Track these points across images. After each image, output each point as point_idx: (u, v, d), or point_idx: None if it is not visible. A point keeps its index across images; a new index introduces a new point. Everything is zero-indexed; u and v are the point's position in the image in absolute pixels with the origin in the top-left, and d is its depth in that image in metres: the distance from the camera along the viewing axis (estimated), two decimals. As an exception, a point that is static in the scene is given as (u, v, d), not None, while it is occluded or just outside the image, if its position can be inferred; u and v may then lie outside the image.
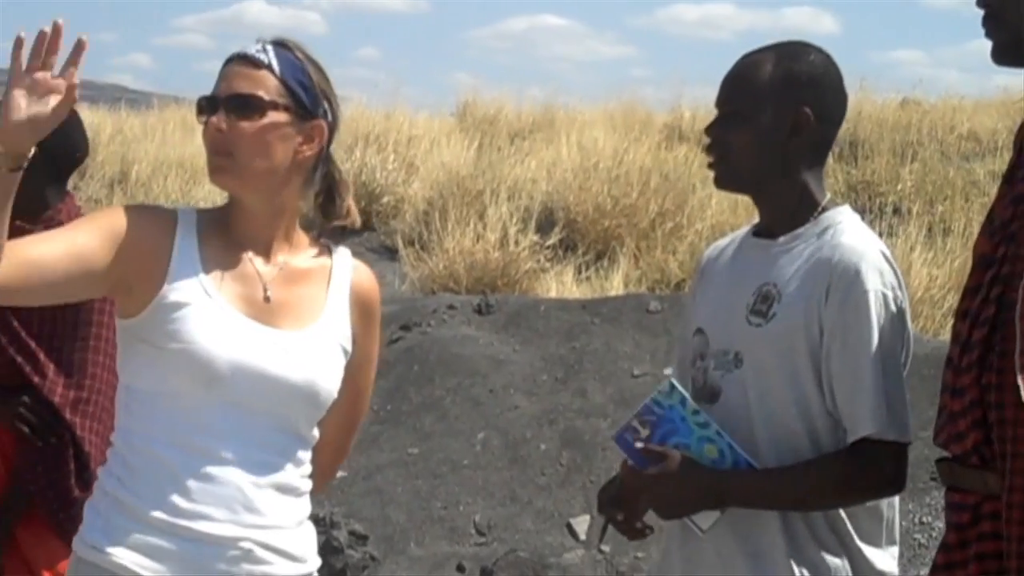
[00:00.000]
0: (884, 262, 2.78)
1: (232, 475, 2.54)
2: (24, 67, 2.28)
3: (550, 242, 11.68)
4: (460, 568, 6.59)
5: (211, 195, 14.32)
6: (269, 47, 2.61)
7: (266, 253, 2.65)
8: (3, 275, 2.38)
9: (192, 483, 2.53)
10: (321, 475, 2.81)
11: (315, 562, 2.73)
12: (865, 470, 2.74)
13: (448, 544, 6.74)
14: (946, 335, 5.72)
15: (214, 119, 2.56)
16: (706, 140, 2.91)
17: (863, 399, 2.71)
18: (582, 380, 7.70)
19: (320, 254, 2.73)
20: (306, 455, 2.68)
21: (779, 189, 2.87)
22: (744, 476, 2.78)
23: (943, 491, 2.65)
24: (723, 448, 2.79)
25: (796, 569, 2.77)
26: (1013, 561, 2.29)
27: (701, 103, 18.14)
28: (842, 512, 2.79)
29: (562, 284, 10.94)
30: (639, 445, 2.82)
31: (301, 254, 2.70)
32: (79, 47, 2.30)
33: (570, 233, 12.27)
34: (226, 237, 2.63)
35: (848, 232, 2.81)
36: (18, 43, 2.28)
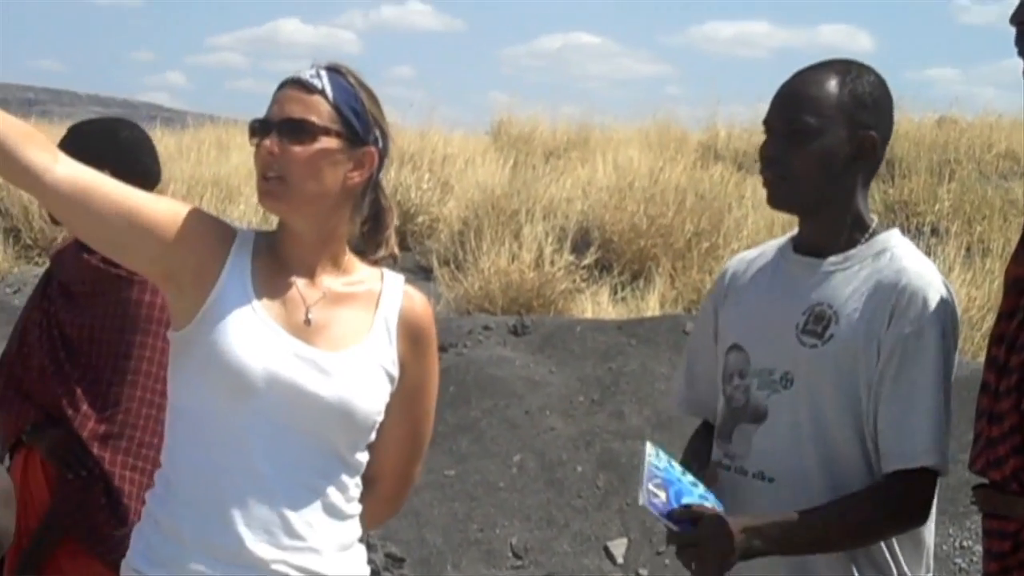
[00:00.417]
0: (946, 290, 2.75)
1: (270, 496, 2.53)
2: None
3: (586, 262, 11.64)
4: (496, 591, 6.56)
5: (246, 215, 14.35)
6: (323, 72, 2.61)
7: (312, 276, 2.65)
8: (64, 184, 2.45)
9: (230, 503, 2.52)
10: (385, 503, 2.82)
11: None
12: (908, 500, 2.71)
13: (485, 567, 6.71)
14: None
15: (267, 142, 2.55)
16: (761, 158, 2.85)
17: (917, 429, 2.67)
18: (619, 402, 7.67)
19: (370, 279, 2.72)
20: (352, 480, 2.66)
21: (835, 211, 2.83)
22: (783, 525, 2.71)
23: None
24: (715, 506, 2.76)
25: None
26: None
27: (736, 121, 18.13)
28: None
29: (598, 305, 10.89)
30: (666, 510, 2.74)
31: (349, 278, 2.70)
32: None
33: (606, 253, 12.23)
34: (275, 259, 2.64)
35: (909, 256, 2.79)
36: None
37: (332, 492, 2.61)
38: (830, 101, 2.78)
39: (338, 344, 2.62)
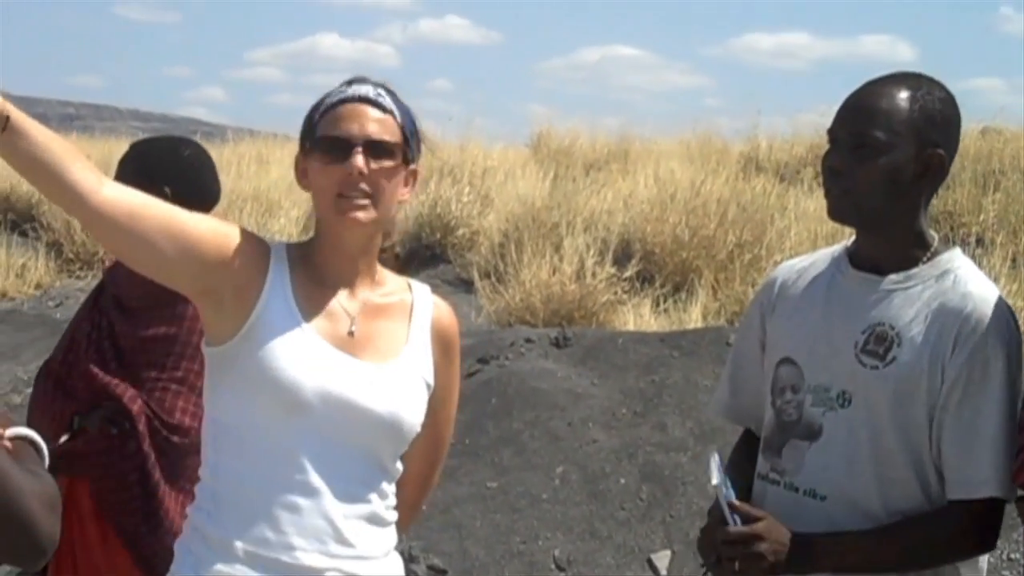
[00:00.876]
0: (1010, 315, 2.70)
1: (320, 506, 2.57)
2: None
3: (627, 274, 11.60)
4: (539, 604, 6.53)
5: (286, 228, 14.40)
6: (384, 92, 2.67)
7: (351, 289, 2.69)
8: (111, 206, 2.43)
9: (281, 515, 2.56)
10: (408, 508, 2.85)
11: None
12: (970, 529, 2.67)
13: (527, 580, 6.67)
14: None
15: (357, 161, 2.58)
16: (825, 167, 2.78)
17: (982, 457, 2.62)
18: (661, 414, 7.63)
19: (400, 290, 2.78)
20: (390, 488, 2.71)
21: (896, 228, 2.77)
22: (838, 540, 2.69)
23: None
24: None
25: None
26: None
27: (777, 133, 18.06)
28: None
29: (640, 317, 10.85)
30: (731, 501, 2.75)
31: (383, 289, 2.75)
32: None
33: (647, 265, 12.18)
34: (313, 272, 2.67)
35: (974, 281, 2.74)
36: None
37: (375, 500, 2.66)
38: (900, 116, 2.71)
39: (382, 356, 2.67)
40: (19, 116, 2.32)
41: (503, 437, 7.63)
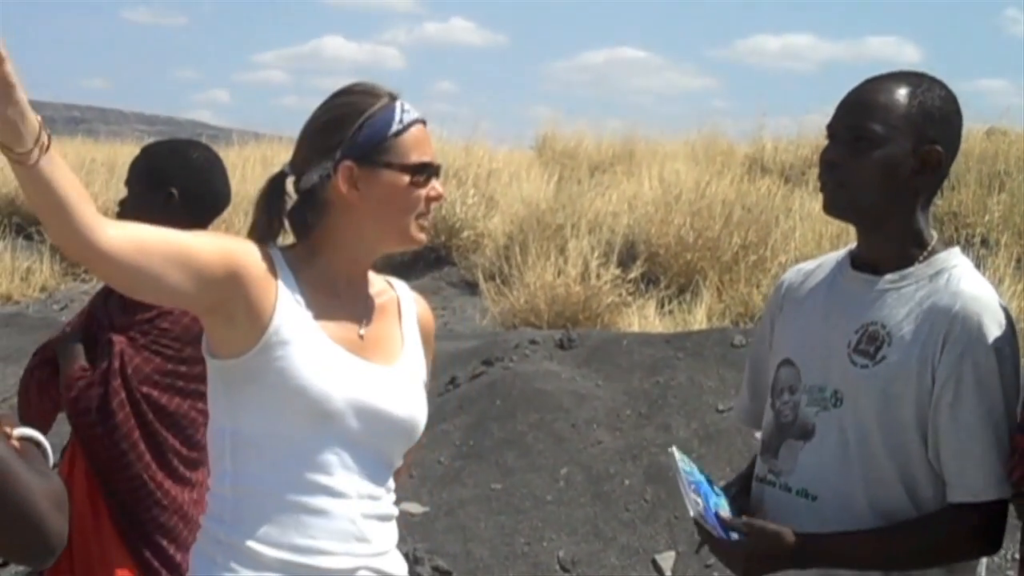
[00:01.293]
0: (1003, 314, 2.68)
1: (345, 508, 2.61)
2: None
3: (632, 276, 11.60)
4: (544, 605, 6.53)
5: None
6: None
7: (355, 292, 2.73)
8: (119, 246, 2.39)
9: (309, 520, 2.59)
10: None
11: None
12: (972, 532, 2.65)
13: (532, 581, 6.67)
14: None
15: (440, 187, 2.72)
16: (822, 161, 2.78)
17: (978, 460, 2.61)
18: (666, 415, 7.62)
19: (387, 289, 2.83)
20: (393, 483, 2.76)
21: (892, 225, 2.76)
22: (838, 539, 2.69)
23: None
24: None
25: None
26: None
27: (783, 134, 18.07)
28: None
29: (644, 318, 10.86)
30: (711, 515, 2.76)
31: (375, 289, 2.79)
32: None
33: (652, 267, 12.19)
34: (318, 277, 2.68)
35: (967, 279, 2.71)
36: None
37: (385, 497, 2.71)
38: (898, 111, 2.70)
39: (388, 357, 2.72)
40: (55, 148, 2.31)
41: (507, 439, 7.63)
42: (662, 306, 11.32)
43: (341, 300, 2.68)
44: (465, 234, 14.11)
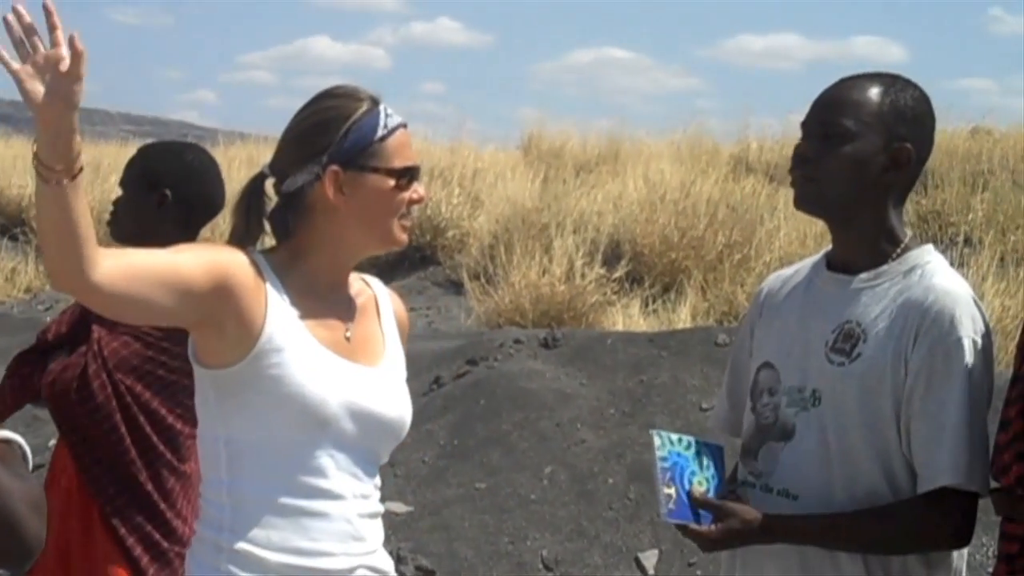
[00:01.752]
0: (975, 308, 2.70)
1: (342, 510, 2.65)
2: (16, 62, 2.25)
3: (616, 275, 11.62)
4: (528, 604, 6.54)
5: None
6: None
7: (338, 293, 2.75)
8: (110, 278, 2.37)
9: (309, 523, 2.62)
10: None
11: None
12: (935, 521, 2.66)
13: (516, 580, 6.69)
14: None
15: (423, 189, 2.74)
16: (795, 156, 2.81)
17: (944, 448, 2.62)
18: (650, 414, 7.64)
19: (364, 287, 2.85)
20: (379, 480, 2.78)
21: (863, 222, 2.78)
22: (809, 520, 2.71)
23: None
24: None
25: None
26: None
27: (768, 134, 18.08)
28: (912, 559, 2.72)
29: (629, 317, 10.87)
30: (683, 504, 2.79)
31: (355, 289, 2.81)
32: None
33: (637, 266, 12.21)
34: (303, 280, 2.68)
35: (939, 274, 2.74)
36: None
37: (373, 494, 2.74)
38: (870, 108, 2.74)
39: (373, 358, 2.75)
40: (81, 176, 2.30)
41: (492, 438, 7.64)
42: (646, 305, 11.33)
43: (326, 303, 2.70)
44: (450, 234, 14.11)
